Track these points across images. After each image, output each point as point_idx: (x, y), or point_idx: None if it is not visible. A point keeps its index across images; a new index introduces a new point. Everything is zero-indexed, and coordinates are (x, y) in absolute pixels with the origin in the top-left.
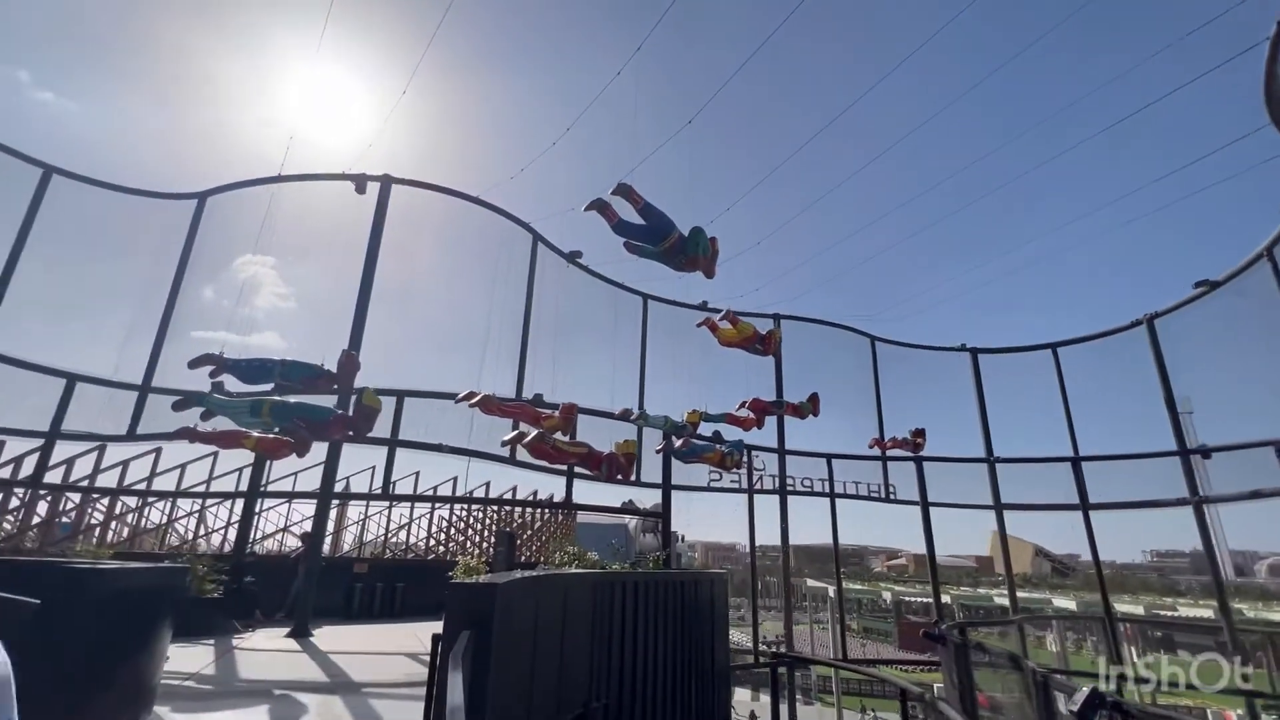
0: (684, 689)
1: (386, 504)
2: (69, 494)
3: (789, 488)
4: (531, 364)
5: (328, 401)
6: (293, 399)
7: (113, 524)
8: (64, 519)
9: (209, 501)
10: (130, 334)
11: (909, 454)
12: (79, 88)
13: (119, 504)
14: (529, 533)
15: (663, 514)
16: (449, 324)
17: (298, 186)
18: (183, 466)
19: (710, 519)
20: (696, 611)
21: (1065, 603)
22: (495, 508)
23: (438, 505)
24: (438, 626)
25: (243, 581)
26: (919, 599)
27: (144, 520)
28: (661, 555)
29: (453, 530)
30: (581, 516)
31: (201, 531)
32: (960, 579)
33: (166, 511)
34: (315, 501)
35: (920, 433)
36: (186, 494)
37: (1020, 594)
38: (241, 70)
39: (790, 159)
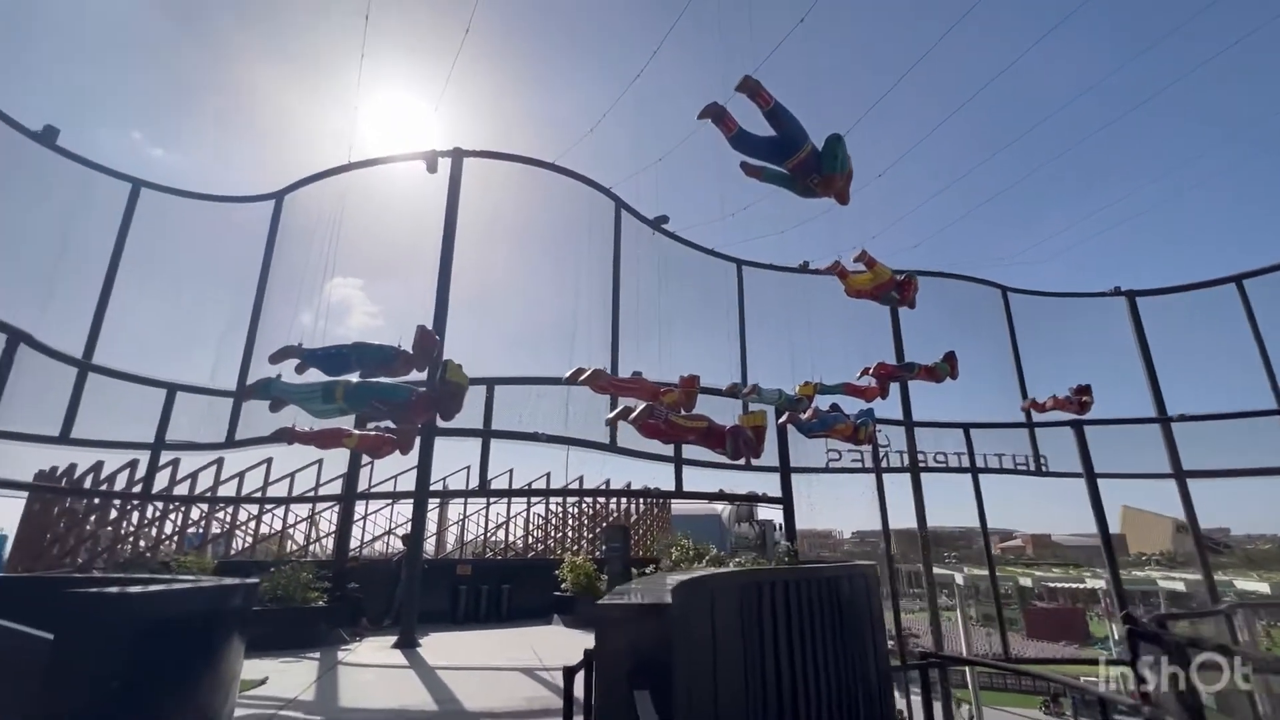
0: (849, 698)
1: (484, 501)
2: (196, 505)
3: (920, 464)
4: (624, 341)
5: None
6: (370, 380)
7: (236, 533)
8: (195, 529)
9: (319, 507)
10: (222, 341)
11: (1074, 415)
12: (180, 138)
13: (240, 512)
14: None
15: (783, 499)
16: (533, 305)
17: (369, 179)
18: (292, 475)
19: (804, 504)
20: (853, 609)
21: (1249, 585)
22: (589, 501)
23: (534, 501)
24: (548, 632)
25: (346, 588)
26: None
27: (261, 528)
28: (787, 547)
29: (550, 526)
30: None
31: (314, 537)
32: (1090, 560)
33: (283, 518)
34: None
35: (1085, 390)
36: (275, 499)
37: (1176, 575)
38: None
39: (894, 88)
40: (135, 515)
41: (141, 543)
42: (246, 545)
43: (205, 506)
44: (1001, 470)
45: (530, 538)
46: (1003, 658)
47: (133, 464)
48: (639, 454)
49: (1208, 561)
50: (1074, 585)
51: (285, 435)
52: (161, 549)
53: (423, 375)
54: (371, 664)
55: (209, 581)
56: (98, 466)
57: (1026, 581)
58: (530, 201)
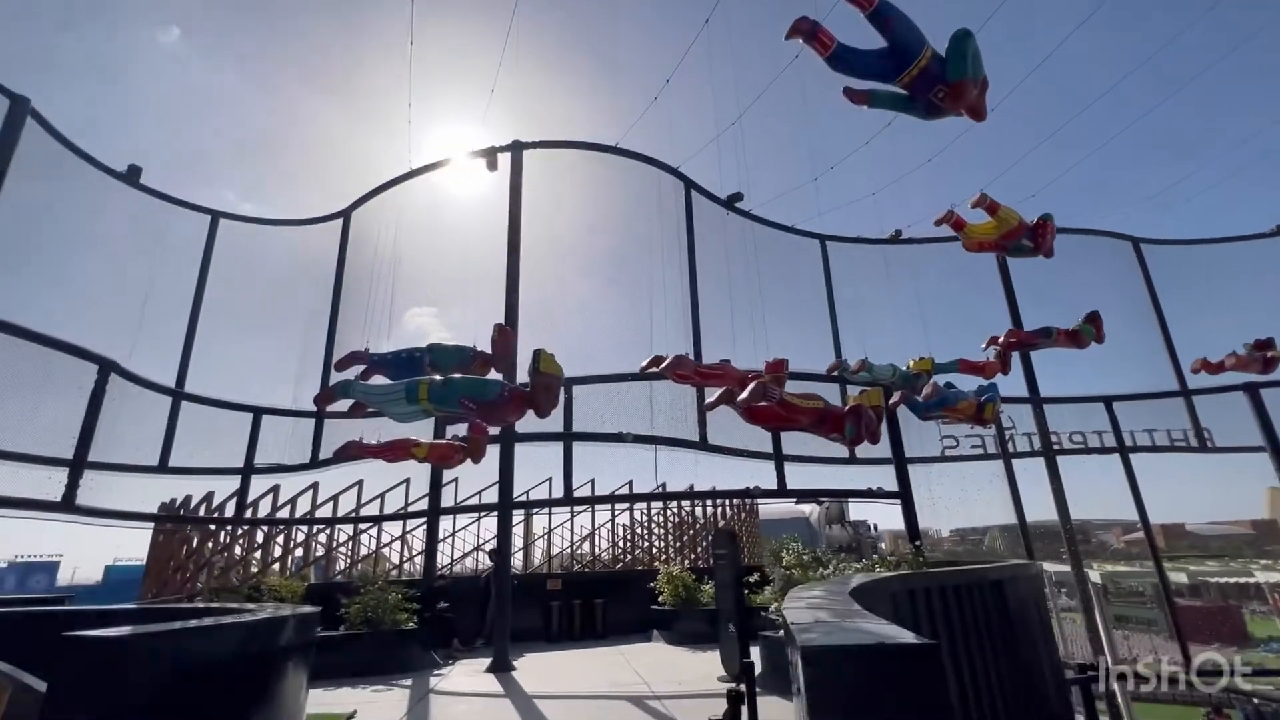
0: (1025, 715)
1: (568, 512)
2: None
3: (1055, 446)
4: (705, 330)
5: None
6: (456, 376)
7: (336, 555)
8: (296, 553)
9: (409, 525)
10: (302, 364)
11: (1258, 375)
12: (260, 193)
13: (339, 535)
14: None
15: (901, 494)
16: (606, 299)
17: (431, 192)
18: (382, 496)
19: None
20: (1023, 615)
21: None
22: (675, 508)
23: (618, 510)
24: (649, 650)
25: (436, 609)
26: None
27: (360, 549)
28: (915, 548)
29: (637, 536)
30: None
31: (406, 556)
32: (1239, 551)
33: (376, 538)
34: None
35: (1269, 344)
36: (361, 518)
37: None
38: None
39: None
40: (244, 541)
41: (252, 568)
42: (345, 567)
43: (304, 530)
44: (1155, 449)
45: (616, 548)
46: (1181, 665)
47: (241, 492)
48: (733, 451)
49: None
50: (1236, 580)
51: (350, 449)
52: (265, 573)
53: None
54: (465, 692)
55: (253, 614)
56: (209, 496)
57: (1182, 577)
58: (595, 191)
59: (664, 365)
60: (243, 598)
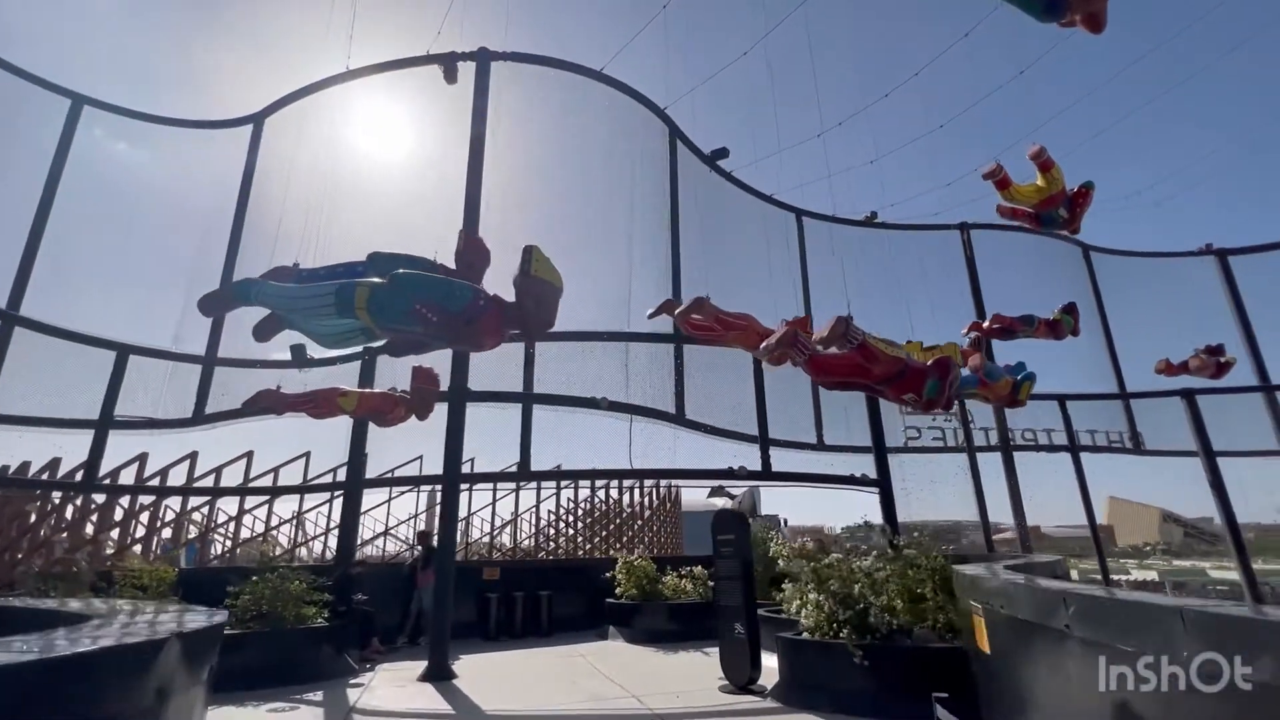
0: None
1: (490, 491)
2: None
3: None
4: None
5: None
6: (408, 272)
7: (215, 536)
8: (165, 531)
9: (310, 501)
10: (189, 298)
11: (1209, 379)
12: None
13: (217, 515)
14: (638, 524)
15: (880, 483)
16: (572, 247)
17: (369, 92)
18: (276, 470)
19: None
20: None
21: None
22: (601, 496)
23: (544, 494)
24: (610, 651)
25: (352, 601)
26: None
27: (242, 531)
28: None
29: (561, 523)
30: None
31: (300, 539)
32: (1082, 552)
33: (265, 519)
34: (433, 489)
35: (1219, 350)
36: (260, 490)
37: (1165, 565)
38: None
39: None
40: (96, 518)
41: (102, 550)
42: (225, 551)
43: (176, 504)
44: (1096, 449)
45: (542, 536)
46: None
47: (94, 451)
48: (714, 430)
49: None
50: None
51: (263, 400)
52: (126, 556)
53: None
54: (399, 712)
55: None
56: (54, 464)
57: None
58: (567, 125)
59: (682, 309)
60: (85, 587)
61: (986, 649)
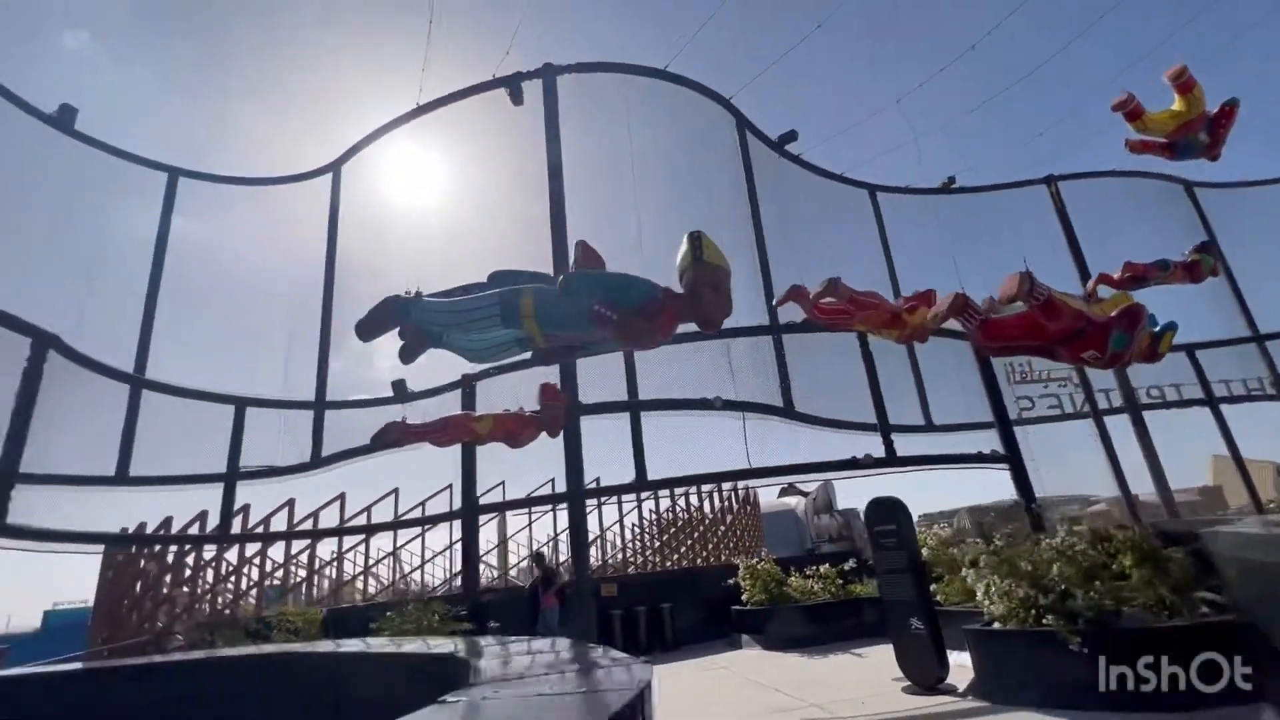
0: None
1: (635, 499)
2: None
3: (1140, 400)
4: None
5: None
6: (584, 272)
7: (317, 577)
8: (273, 581)
9: (405, 537)
10: (291, 347)
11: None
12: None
13: (316, 558)
14: (721, 529)
15: (1010, 457)
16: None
17: (440, 126)
18: (368, 509)
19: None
20: None
21: None
22: (679, 505)
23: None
24: (754, 660)
25: (488, 627)
26: None
27: (343, 570)
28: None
29: (647, 535)
30: None
31: (399, 573)
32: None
33: (365, 555)
34: (549, 507)
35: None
36: (380, 525)
37: None
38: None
39: None
40: (210, 571)
41: (219, 600)
42: (328, 592)
43: (281, 551)
44: (1235, 399)
45: (630, 549)
46: None
47: (202, 515)
48: (829, 422)
49: None
50: None
51: (391, 433)
52: (241, 605)
53: None
54: None
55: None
56: (167, 523)
57: None
58: (634, 128)
59: (815, 292)
60: (246, 634)
61: None
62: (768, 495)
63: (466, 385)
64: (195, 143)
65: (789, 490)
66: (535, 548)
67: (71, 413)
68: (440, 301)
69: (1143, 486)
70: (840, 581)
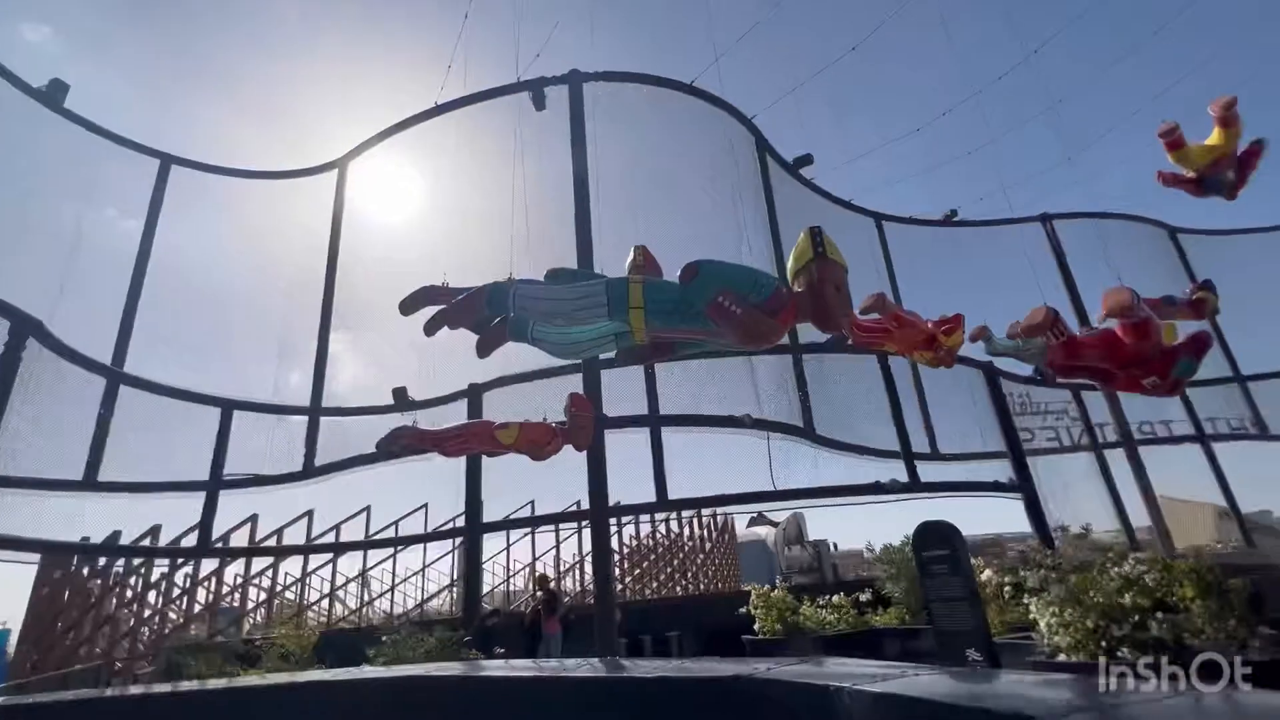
0: None
1: (616, 524)
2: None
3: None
4: None
5: None
6: (709, 261)
7: (275, 601)
8: (228, 602)
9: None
10: (284, 349)
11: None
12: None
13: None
14: (700, 557)
15: (1022, 488)
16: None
17: (455, 131)
18: (337, 528)
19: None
20: None
21: None
22: (661, 529)
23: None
24: None
25: (493, 654)
26: None
27: (308, 592)
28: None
29: (653, 555)
30: None
31: (365, 598)
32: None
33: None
34: (552, 528)
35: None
36: (374, 542)
37: None
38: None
39: None
40: (153, 594)
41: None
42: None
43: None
44: (1220, 437)
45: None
46: None
47: (155, 530)
48: (850, 447)
49: None
50: None
51: (405, 437)
52: (194, 628)
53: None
54: None
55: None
56: (115, 536)
57: None
58: (655, 139)
59: (869, 303)
60: (231, 659)
61: None
62: (738, 525)
63: (475, 396)
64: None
65: (759, 520)
66: (539, 570)
67: (40, 408)
68: (547, 288)
69: (1140, 521)
70: (855, 611)
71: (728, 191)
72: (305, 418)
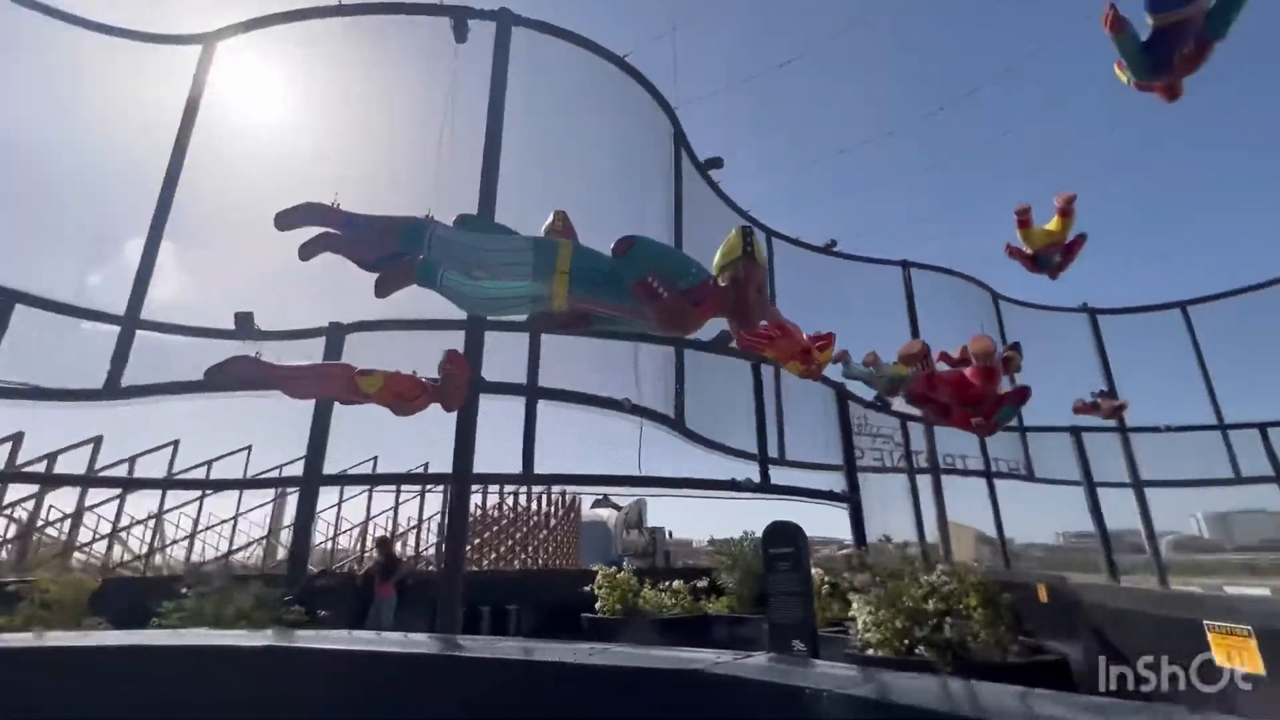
0: None
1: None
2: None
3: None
4: None
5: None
6: (642, 237)
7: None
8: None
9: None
10: (104, 240)
11: (1104, 420)
12: None
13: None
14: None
15: (850, 499)
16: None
17: (354, 40)
18: (132, 460)
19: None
20: None
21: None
22: (508, 501)
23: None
24: None
25: (317, 617)
26: None
27: (80, 531)
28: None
29: (495, 526)
30: None
31: (159, 543)
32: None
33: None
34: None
35: (1106, 394)
36: (196, 483)
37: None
38: None
39: None
40: None
41: None
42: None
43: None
44: (1000, 475)
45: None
46: None
47: None
48: (712, 444)
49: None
50: None
51: (241, 368)
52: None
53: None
54: None
55: None
56: None
57: None
58: (570, 109)
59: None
60: None
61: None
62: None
63: (337, 336)
64: None
65: (603, 502)
66: (373, 531)
67: None
68: (468, 235)
69: (931, 537)
70: (691, 598)
71: (637, 176)
72: (116, 328)
